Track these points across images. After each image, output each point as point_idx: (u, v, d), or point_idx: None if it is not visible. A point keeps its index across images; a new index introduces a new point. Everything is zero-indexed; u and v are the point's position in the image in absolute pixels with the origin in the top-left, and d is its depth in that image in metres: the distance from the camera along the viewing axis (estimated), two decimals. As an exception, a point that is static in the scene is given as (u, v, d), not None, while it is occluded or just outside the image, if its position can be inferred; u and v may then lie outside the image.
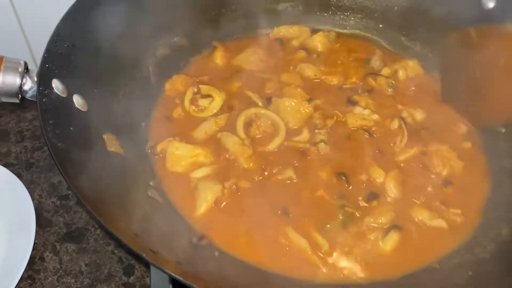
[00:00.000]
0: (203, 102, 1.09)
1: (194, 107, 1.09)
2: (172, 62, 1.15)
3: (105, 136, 0.91)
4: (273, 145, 1.02)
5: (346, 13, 1.28)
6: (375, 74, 1.12)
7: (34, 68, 1.30)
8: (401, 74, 1.13)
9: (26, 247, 1.01)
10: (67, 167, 0.72)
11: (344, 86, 1.12)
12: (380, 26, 1.26)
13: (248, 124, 1.05)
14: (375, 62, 1.15)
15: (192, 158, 1.00)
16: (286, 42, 1.22)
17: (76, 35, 0.92)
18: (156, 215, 0.85)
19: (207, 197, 0.93)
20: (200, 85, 1.10)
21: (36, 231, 1.05)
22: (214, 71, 1.17)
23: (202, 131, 1.05)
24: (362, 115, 1.04)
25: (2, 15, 1.25)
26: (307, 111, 1.06)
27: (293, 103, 1.05)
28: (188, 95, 1.09)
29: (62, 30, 0.90)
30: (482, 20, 1.10)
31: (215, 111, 1.08)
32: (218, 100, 1.09)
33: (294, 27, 1.23)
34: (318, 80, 1.14)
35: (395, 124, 1.04)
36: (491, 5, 1.12)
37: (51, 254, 1.06)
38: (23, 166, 1.20)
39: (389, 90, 1.10)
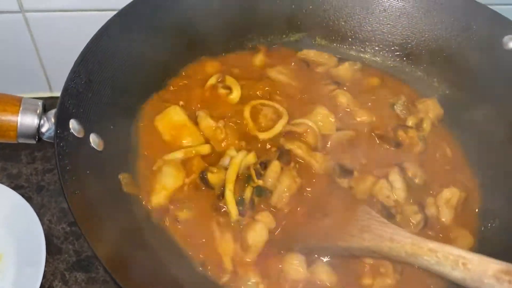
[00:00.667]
0: (221, 92, 1.09)
1: (210, 93, 1.10)
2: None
3: (120, 176, 0.90)
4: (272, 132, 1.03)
5: (368, 45, 1.27)
6: (406, 126, 1.09)
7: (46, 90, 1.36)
8: (425, 125, 1.10)
9: (36, 277, 1.00)
10: (85, 221, 0.71)
11: (376, 132, 1.08)
12: (402, 59, 1.26)
13: (255, 114, 1.06)
14: (399, 108, 1.12)
15: (181, 131, 1.00)
16: (311, 66, 1.22)
17: (93, 71, 0.92)
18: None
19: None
20: (227, 76, 1.12)
21: (46, 259, 1.04)
22: (248, 68, 1.18)
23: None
24: (387, 189, 0.97)
25: (22, 49, 1.27)
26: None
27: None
28: (212, 80, 1.11)
29: (80, 66, 0.89)
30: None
31: (232, 103, 1.09)
32: (235, 94, 1.10)
33: (324, 54, 1.23)
34: (349, 110, 1.12)
35: (417, 217, 0.96)
36: (511, 45, 1.11)
37: (60, 284, 1.06)
38: (34, 189, 1.20)
39: (420, 143, 1.06)
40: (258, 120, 1.05)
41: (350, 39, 1.27)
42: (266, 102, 1.08)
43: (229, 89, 1.10)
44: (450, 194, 0.99)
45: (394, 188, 0.97)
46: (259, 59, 1.21)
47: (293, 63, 1.21)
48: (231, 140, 1.01)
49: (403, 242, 0.80)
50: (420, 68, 1.24)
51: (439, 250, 0.76)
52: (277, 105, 1.08)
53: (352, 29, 1.26)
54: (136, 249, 0.82)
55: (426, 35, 1.22)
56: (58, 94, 1.34)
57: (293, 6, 1.24)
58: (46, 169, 1.24)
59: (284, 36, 1.27)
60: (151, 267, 0.82)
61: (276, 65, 1.19)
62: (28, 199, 1.14)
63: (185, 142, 1.00)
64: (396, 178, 0.98)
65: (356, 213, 0.90)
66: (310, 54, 1.23)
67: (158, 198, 0.92)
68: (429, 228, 0.96)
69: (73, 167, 0.78)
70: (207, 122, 1.02)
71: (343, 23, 1.25)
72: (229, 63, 1.18)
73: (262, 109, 1.06)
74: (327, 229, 0.91)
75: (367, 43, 1.27)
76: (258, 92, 1.11)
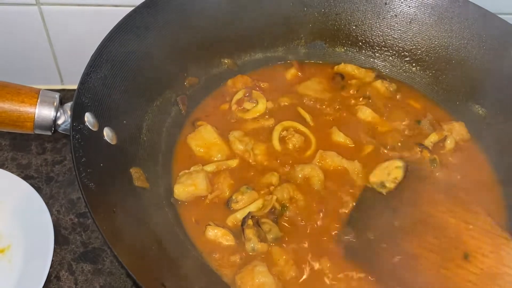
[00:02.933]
0: (247, 105, 1.14)
1: (237, 106, 1.14)
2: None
3: (132, 170, 0.91)
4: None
5: (378, 50, 1.29)
6: (424, 146, 1.10)
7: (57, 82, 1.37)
8: (448, 142, 1.12)
9: (44, 267, 1.01)
10: (99, 211, 0.73)
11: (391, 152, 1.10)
12: (411, 65, 1.27)
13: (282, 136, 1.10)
14: (425, 124, 1.14)
15: (210, 148, 1.06)
16: (346, 78, 1.24)
17: (109, 66, 0.93)
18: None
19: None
20: (253, 90, 1.17)
21: (53, 248, 1.06)
22: (278, 82, 1.22)
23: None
24: None
25: (36, 41, 1.28)
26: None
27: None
28: (239, 94, 1.16)
29: (96, 61, 0.90)
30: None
31: (254, 116, 1.13)
32: (260, 106, 1.14)
33: (361, 69, 1.25)
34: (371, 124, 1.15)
35: None
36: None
37: (67, 273, 1.07)
38: (43, 179, 1.21)
39: (432, 166, 1.08)
40: (286, 145, 1.09)
41: (360, 43, 1.28)
42: (295, 124, 1.12)
43: (256, 102, 1.15)
44: None
45: None
46: (291, 73, 1.24)
47: (326, 77, 1.24)
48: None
49: None
50: (429, 75, 1.25)
51: None
52: (305, 129, 1.11)
53: (363, 33, 1.27)
54: (145, 238, 0.83)
55: (436, 42, 1.23)
56: (69, 87, 1.39)
57: (305, 9, 1.25)
58: (55, 161, 1.25)
59: (298, 42, 1.29)
60: (160, 258, 0.84)
61: (309, 79, 1.22)
62: (38, 189, 1.15)
63: (216, 158, 1.06)
64: None
65: None
66: (347, 68, 1.25)
67: (183, 190, 0.97)
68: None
69: (87, 159, 0.79)
70: (236, 145, 1.07)
71: (354, 27, 1.27)
72: (259, 77, 1.22)
73: (294, 135, 1.09)
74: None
75: (377, 48, 1.28)
76: (282, 104, 1.16)
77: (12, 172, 1.17)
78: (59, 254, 1.09)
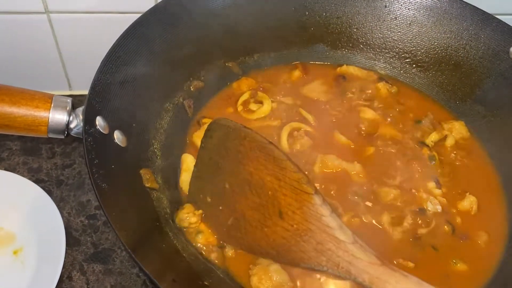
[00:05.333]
0: (253, 106, 1.17)
1: (242, 108, 1.17)
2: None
3: (141, 171, 0.94)
4: None
5: (379, 52, 1.32)
6: (423, 143, 1.13)
7: (66, 88, 1.40)
8: (448, 141, 1.14)
9: (56, 266, 1.04)
10: (112, 212, 0.75)
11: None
12: (411, 67, 1.30)
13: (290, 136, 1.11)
14: (426, 124, 1.17)
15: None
16: (348, 80, 1.26)
17: (118, 71, 0.96)
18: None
19: None
20: (259, 92, 1.20)
21: (65, 250, 1.08)
22: (282, 84, 1.25)
23: None
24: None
25: (45, 48, 1.32)
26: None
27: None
28: (245, 96, 1.19)
29: (106, 67, 0.93)
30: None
31: (260, 116, 1.16)
32: (266, 107, 1.17)
33: (364, 70, 1.28)
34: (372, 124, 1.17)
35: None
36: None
37: (78, 274, 1.10)
38: (54, 183, 1.24)
39: (431, 163, 1.10)
40: (294, 146, 1.11)
41: (361, 46, 1.31)
42: (304, 126, 1.14)
43: (261, 103, 1.17)
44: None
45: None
46: (295, 75, 1.27)
47: (329, 78, 1.27)
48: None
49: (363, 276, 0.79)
50: (429, 75, 1.27)
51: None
52: (309, 129, 1.14)
53: (364, 36, 1.30)
54: (155, 237, 0.86)
55: (435, 43, 1.26)
56: (77, 92, 1.42)
57: (306, 13, 1.28)
58: (65, 164, 1.28)
59: (301, 45, 1.31)
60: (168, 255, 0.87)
61: (312, 81, 1.25)
62: (49, 192, 1.18)
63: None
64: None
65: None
66: (350, 69, 1.28)
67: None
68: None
69: (100, 161, 0.82)
70: None
71: (355, 30, 1.30)
72: (264, 79, 1.25)
73: (303, 137, 1.11)
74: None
75: (378, 50, 1.30)
76: (286, 105, 1.19)
77: (24, 176, 1.20)
78: (70, 255, 1.12)
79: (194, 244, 0.92)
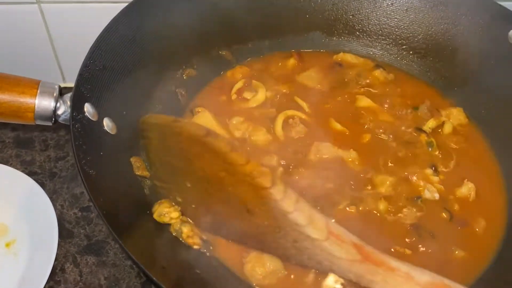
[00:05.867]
0: (247, 95, 1.15)
1: (236, 96, 1.16)
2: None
3: (132, 159, 0.93)
4: None
5: (375, 39, 1.30)
6: (421, 129, 1.11)
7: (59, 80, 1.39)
8: (446, 128, 1.12)
9: (49, 260, 1.03)
10: (99, 197, 0.74)
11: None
12: (408, 53, 1.28)
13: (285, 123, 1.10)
14: (423, 111, 1.15)
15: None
16: (345, 68, 1.24)
17: (107, 58, 0.95)
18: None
19: None
20: (253, 80, 1.18)
21: (58, 242, 1.07)
22: (277, 72, 1.23)
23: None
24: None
25: (37, 39, 1.30)
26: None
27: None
28: (239, 84, 1.17)
29: (95, 53, 0.92)
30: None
31: (254, 105, 1.14)
32: (260, 95, 1.15)
33: (360, 58, 1.26)
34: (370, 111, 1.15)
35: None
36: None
37: (71, 266, 1.08)
38: (47, 175, 1.23)
39: (429, 149, 1.08)
40: (289, 133, 1.09)
41: (357, 33, 1.29)
42: (299, 114, 1.12)
43: (256, 91, 1.16)
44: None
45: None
46: (290, 63, 1.25)
47: (325, 66, 1.24)
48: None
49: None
50: (427, 62, 1.25)
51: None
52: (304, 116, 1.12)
53: (360, 23, 1.28)
54: (146, 225, 0.84)
55: (432, 30, 1.23)
56: (71, 84, 1.39)
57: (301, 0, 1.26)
58: (58, 157, 1.27)
59: (296, 32, 1.29)
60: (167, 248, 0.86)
61: (308, 68, 1.23)
62: (42, 185, 1.17)
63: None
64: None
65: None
66: (346, 57, 1.26)
67: None
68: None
69: (87, 147, 0.81)
70: (235, 131, 1.08)
71: (351, 16, 1.28)
72: (258, 68, 1.23)
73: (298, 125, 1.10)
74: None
75: (375, 37, 1.29)
76: (281, 93, 1.17)
77: (16, 169, 1.19)
78: (63, 247, 1.11)
79: (182, 235, 0.90)
